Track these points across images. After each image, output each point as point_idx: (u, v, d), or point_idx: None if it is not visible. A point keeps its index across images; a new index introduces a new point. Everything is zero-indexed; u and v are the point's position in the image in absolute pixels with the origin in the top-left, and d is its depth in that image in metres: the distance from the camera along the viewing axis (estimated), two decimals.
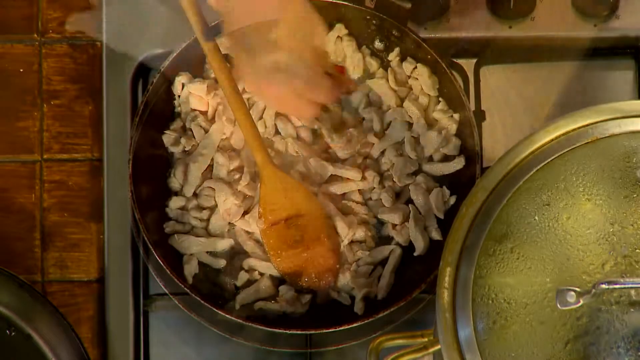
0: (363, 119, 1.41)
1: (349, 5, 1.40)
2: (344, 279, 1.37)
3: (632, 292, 1.07)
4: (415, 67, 1.42)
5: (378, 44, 1.43)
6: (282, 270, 1.37)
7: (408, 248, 1.38)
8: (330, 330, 1.33)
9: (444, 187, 1.39)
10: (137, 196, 1.35)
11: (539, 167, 1.12)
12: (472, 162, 1.37)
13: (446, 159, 1.40)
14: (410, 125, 1.40)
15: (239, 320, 1.33)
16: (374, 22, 1.41)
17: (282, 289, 1.37)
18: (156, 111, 1.41)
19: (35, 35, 1.49)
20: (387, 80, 1.42)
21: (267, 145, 1.37)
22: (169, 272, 1.34)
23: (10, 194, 1.47)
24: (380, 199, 1.39)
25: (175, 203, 1.40)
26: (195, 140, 1.42)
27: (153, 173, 1.41)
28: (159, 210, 1.40)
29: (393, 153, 1.40)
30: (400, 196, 1.40)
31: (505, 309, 1.08)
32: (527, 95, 1.46)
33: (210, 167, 1.41)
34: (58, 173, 1.47)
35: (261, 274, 1.39)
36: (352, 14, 1.41)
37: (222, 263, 1.38)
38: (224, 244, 1.39)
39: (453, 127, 1.40)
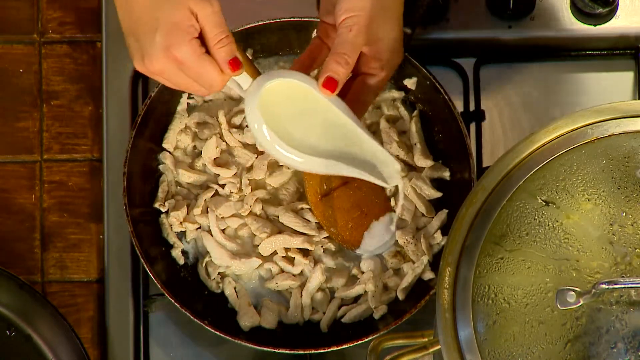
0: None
1: None
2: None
3: (632, 292, 1.07)
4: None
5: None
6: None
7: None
8: (355, 344, 1.33)
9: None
10: (131, 205, 1.35)
11: (538, 167, 1.12)
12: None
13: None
14: None
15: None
16: None
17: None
18: (156, 115, 1.40)
19: (35, 35, 1.49)
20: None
21: None
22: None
23: (10, 194, 1.47)
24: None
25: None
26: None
27: (150, 182, 1.41)
28: (155, 224, 1.40)
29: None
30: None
31: (505, 309, 1.08)
32: (527, 95, 1.46)
33: None
34: (58, 173, 1.47)
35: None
36: None
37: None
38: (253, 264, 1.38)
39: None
